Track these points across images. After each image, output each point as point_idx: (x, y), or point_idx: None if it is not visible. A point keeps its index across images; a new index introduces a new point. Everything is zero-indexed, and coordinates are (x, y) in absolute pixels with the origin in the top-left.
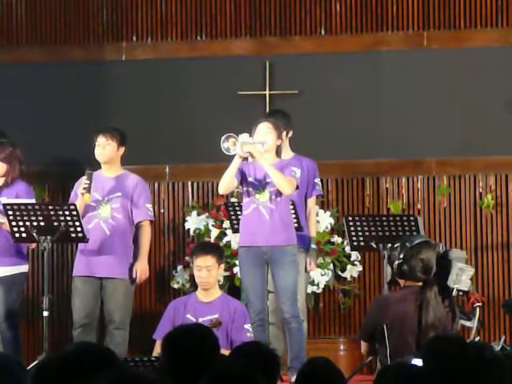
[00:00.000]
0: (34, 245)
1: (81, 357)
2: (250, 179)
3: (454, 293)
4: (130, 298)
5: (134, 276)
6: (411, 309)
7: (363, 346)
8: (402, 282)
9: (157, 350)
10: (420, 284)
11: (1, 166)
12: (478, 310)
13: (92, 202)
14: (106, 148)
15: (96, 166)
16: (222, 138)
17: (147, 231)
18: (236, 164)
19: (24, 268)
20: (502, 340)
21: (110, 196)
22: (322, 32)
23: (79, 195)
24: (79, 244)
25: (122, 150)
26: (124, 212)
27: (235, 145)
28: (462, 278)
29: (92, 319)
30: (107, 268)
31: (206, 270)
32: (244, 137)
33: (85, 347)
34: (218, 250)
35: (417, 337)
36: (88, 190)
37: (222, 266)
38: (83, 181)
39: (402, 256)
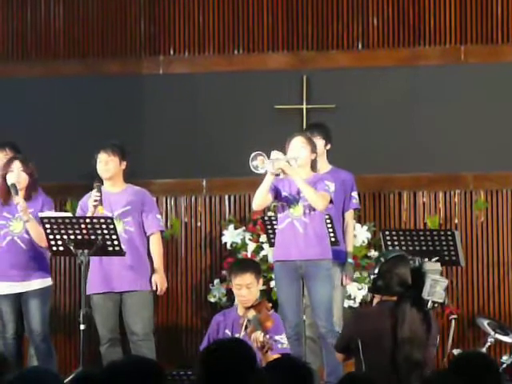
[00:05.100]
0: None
1: (131, 369)
2: (285, 194)
3: (430, 305)
4: (151, 308)
5: (154, 288)
6: (387, 325)
7: (339, 356)
8: (378, 297)
9: None
10: (395, 298)
11: (25, 180)
12: (453, 322)
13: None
14: (108, 164)
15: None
16: (251, 156)
17: (159, 241)
18: (268, 181)
19: (50, 281)
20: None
21: (120, 210)
22: (359, 46)
23: (90, 208)
24: (91, 259)
25: (124, 164)
26: (136, 224)
27: (264, 163)
28: (436, 289)
29: (117, 333)
30: (126, 282)
31: (246, 287)
32: (275, 154)
33: (134, 360)
34: (256, 266)
35: (393, 352)
36: (100, 202)
37: (261, 281)
38: (93, 194)
39: (376, 271)
